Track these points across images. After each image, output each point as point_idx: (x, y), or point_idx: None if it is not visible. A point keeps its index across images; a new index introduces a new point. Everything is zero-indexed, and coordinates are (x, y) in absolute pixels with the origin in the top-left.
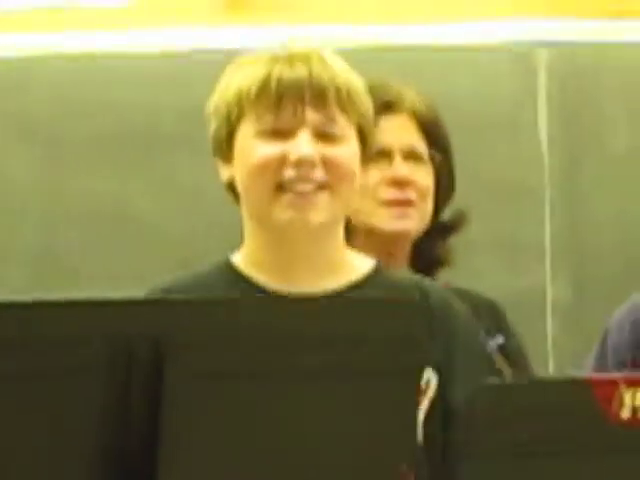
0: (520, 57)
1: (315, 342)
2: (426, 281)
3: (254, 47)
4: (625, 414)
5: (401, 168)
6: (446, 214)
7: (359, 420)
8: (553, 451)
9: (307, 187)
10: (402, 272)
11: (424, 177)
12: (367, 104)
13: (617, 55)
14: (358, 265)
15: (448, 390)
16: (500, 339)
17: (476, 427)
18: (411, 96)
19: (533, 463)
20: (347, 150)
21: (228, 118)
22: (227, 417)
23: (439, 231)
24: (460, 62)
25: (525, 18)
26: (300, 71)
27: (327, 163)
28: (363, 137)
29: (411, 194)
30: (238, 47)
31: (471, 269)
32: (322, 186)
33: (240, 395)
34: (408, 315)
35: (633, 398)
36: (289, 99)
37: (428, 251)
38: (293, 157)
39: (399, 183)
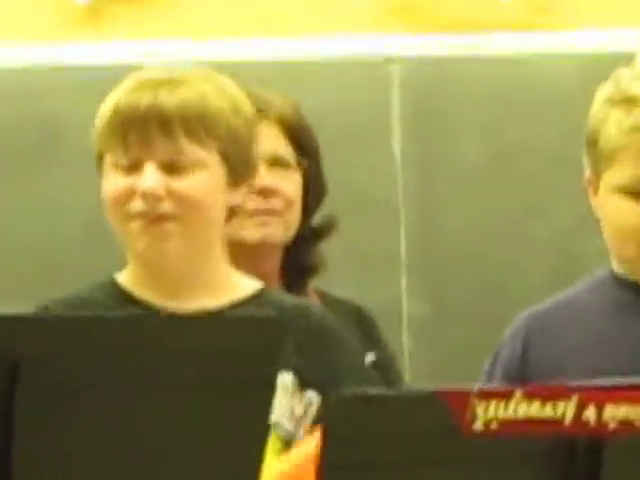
0: (373, 71)
1: (175, 355)
2: (309, 303)
3: (111, 63)
4: (478, 426)
5: (265, 178)
6: (316, 219)
7: (210, 430)
8: (407, 464)
9: (153, 219)
10: (287, 295)
11: (290, 185)
12: (233, 126)
13: (469, 69)
14: (243, 285)
15: None
16: (372, 355)
17: (332, 440)
18: (277, 102)
19: (387, 476)
20: (197, 180)
21: (97, 144)
22: (79, 427)
23: (309, 237)
24: (314, 76)
25: (378, 33)
26: (145, 100)
27: (174, 195)
28: (229, 161)
29: (276, 203)
30: (95, 63)
31: (326, 282)
32: (168, 219)
33: (94, 406)
34: (264, 330)
35: (486, 410)
36: (134, 130)
37: (299, 259)
38: (139, 190)
39: (264, 193)
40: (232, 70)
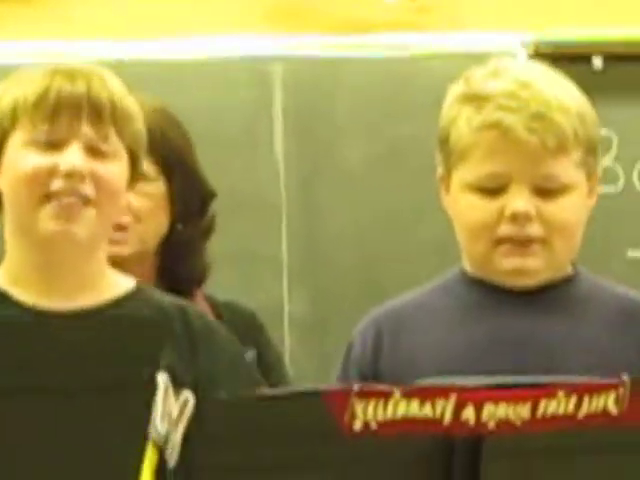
0: (256, 72)
1: (51, 357)
2: (186, 302)
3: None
4: (357, 425)
5: None
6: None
7: (88, 433)
8: (286, 465)
9: (73, 200)
10: (163, 294)
11: (141, 199)
12: (140, 128)
13: (351, 69)
14: (119, 283)
15: None
16: (253, 352)
17: (208, 441)
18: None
19: (267, 477)
20: (117, 168)
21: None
22: None
23: (187, 242)
24: (196, 76)
25: (261, 33)
26: (80, 86)
27: (96, 179)
28: (133, 160)
29: (124, 219)
30: None
31: (208, 283)
32: (88, 201)
33: None
34: (143, 330)
35: (365, 410)
36: (65, 112)
37: (178, 267)
38: (63, 168)
39: None
40: (115, 70)
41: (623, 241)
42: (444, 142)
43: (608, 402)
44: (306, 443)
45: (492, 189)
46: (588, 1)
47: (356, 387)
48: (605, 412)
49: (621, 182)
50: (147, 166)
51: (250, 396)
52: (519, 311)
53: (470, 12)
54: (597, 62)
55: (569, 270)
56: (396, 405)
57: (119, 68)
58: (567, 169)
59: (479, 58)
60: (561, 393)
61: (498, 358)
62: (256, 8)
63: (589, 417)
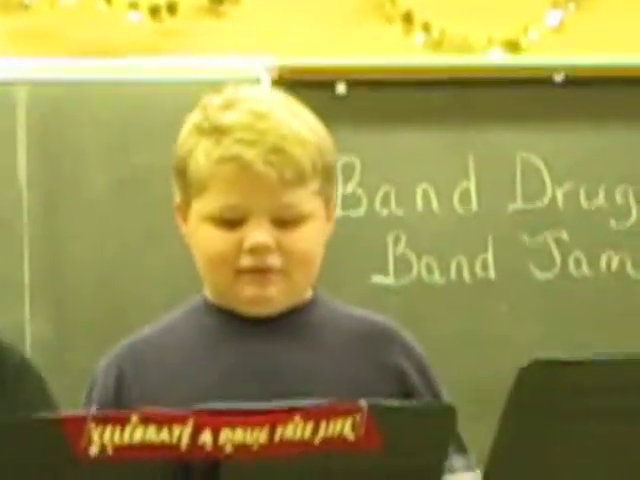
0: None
1: None
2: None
3: None
4: (93, 451)
5: None
6: None
7: None
8: None
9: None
10: None
11: None
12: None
13: (95, 93)
14: None
15: None
16: None
17: None
18: None
19: None
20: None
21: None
22: None
23: None
24: None
25: (4, 56)
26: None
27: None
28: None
29: None
30: None
31: None
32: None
33: None
34: None
35: (102, 435)
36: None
37: None
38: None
39: None
40: None
41: (367, 266)
42: (182, 172)
43: (345, 427)
44: (44, 470)
45: (232, 220)
46: (332, 28)
47: (93, 412)
48: (341, 437)
49: (364, 207)
50: None
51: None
52: (261, 338)
53: (215, 36)
54: (340, 88)
55: (309, 295)
56: (133, 430)
57: None
58: (305, 199)
59: (222, 83)
60: (298, 418)
61: (241, 385)
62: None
63: (326, 442)
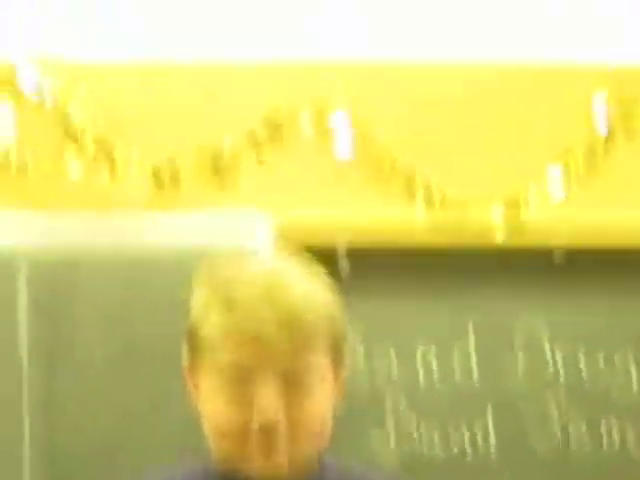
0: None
1: None
2: None
3: None
4: None
5: None
6: None
7: None
8: None
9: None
10: None
11: None
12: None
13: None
14: None
15: None
16: None
17: None
18: None
19: None
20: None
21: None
22: None
23: None
24: None
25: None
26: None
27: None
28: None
29: None
30: None
31: None
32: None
33: None
34: None
35: None
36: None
37: None
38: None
39: None
40: None
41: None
42: (192, 338)
43: None
44: None
45: (240, 379)
46: (332, 202)
47: None
48: None
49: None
50: None
51: None
52: None
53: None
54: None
55: (316, 460)
56: None
57: None
58: (316, 366)
59: (223, 247)
60: None
61: None
62: None
63: None
